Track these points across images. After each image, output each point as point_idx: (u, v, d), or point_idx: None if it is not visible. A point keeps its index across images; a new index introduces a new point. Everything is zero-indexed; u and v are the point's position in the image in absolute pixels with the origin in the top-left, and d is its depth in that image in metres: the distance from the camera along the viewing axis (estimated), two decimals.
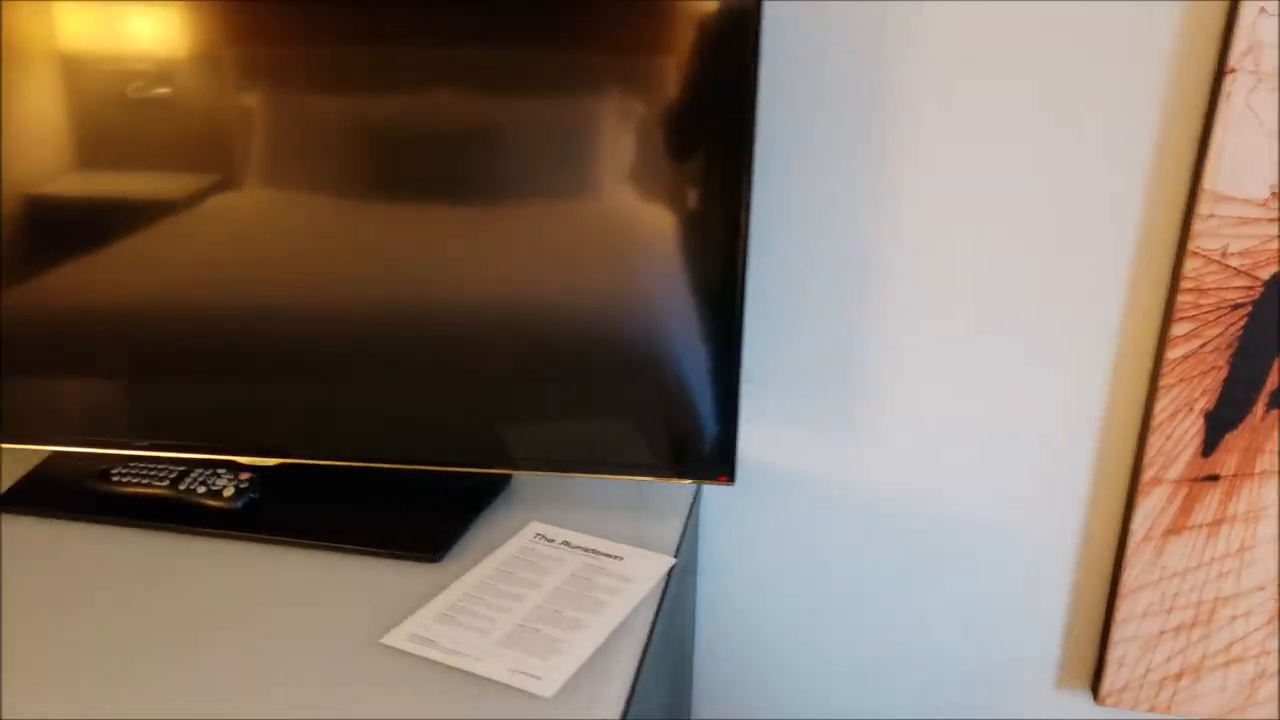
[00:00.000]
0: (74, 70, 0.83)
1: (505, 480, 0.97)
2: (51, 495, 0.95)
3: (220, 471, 0.92)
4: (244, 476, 0.92)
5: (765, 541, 1.10)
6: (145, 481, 0.91)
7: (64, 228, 0.88)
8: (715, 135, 0.80)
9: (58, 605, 0.82)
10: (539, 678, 0.71)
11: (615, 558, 0.86)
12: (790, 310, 1.00)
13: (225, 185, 0.86)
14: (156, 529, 0.90)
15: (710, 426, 0.88)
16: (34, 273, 0.90)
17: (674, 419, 0.88)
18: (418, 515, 0.91)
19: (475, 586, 0.82)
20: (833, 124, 0.93)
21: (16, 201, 0.87)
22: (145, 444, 0.94)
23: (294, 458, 0.93)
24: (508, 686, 0.71)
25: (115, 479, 0.92)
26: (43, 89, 0.84)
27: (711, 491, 1.08)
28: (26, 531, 0.91)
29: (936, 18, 0.88)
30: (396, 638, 0.76)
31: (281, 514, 0.91)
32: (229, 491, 0.90)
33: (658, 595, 0.81)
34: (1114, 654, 1.04)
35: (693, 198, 0.82)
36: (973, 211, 0.94)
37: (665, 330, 0.86)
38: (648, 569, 0.84)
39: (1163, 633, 1.02)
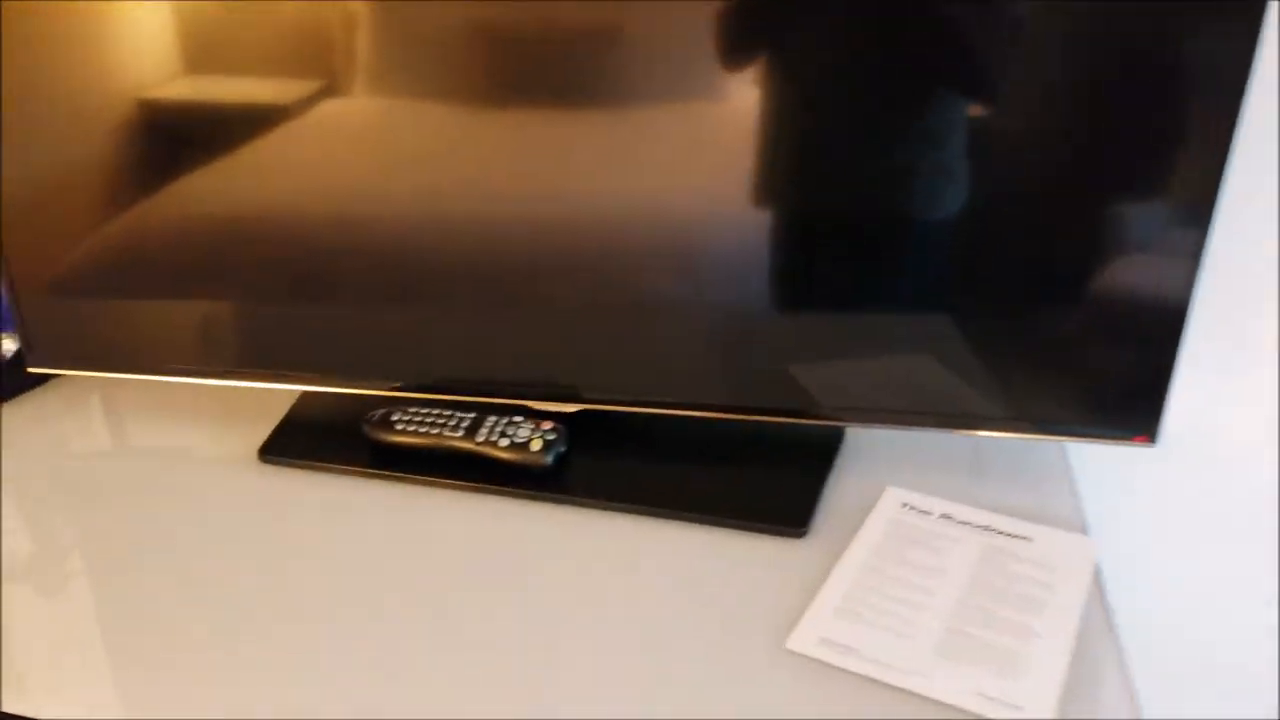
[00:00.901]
0: None
1: (839, 435, 0.81)
2: (320, 444, 0.82)
3: (518, 420, 0.78)
4: (547, 426, 0.77)
5: (1129, 511, 0.93)
6: (434, 431, 0.78)
7: (180, 133, 0.75)
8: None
9: (352, 577, 0.69)
10: (1019, 707, 0.56)
11: (1021, 538, 0.70)
12: None
13: (339, 91, 0.72)
14: (454, 487, 0.77)
15: (1137, 370, 0.70)
16: (166, 179, 0.77)
17: (1095, 358, 0.70)
18: (753, 476, 0.76)
19: (863, 572, 0.67)
20: None
21: (130, 105, 0.75)
22: (406, 385, 0.80)
23: (592, 403, 0.78)
24: (976, 716, 0.56)
25: (399, 427, 0.78)
26: None
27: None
28: (296, 485, 0.79)
29: None
30: (803, 641, 0.61)
31: (594, 472, 0.77)
32: (537, 444, 0.76)
33: (1098, 592, 0.65)
34: None
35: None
36: None
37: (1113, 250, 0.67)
38: (1068, 555, 0.68)
39: None
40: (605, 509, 0.74)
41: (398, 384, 0.80)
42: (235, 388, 0.90)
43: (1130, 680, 0.58)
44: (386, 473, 0.78)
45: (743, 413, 0.76)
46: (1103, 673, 0.59)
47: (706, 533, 0.72)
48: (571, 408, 0.80)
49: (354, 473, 0.79)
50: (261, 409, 0.87)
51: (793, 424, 0.75)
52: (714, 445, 0.79)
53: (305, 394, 0.88)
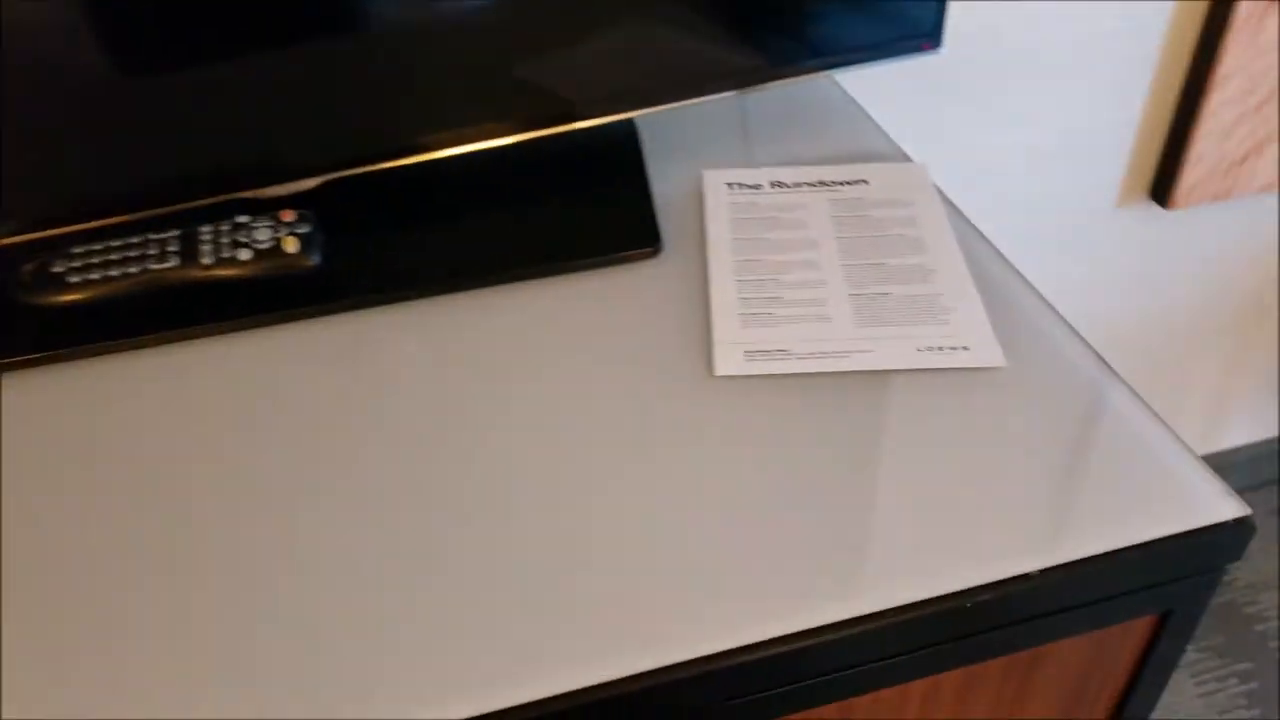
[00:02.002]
0: None
1: (632, 133, 0.69)
2: None
3: (244, 221, 0.56)
4: (289, 217, 0.57)
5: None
6: (133, 269, 0.54)
7: None
8: None
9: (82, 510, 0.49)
10: (966, 346, 0.53)
11: (859, 182, 0.65)
12: None
13: None
14: (193, 336, 0.55)
15: None
16: None
17: None
18: (563, 208, 0.62)
19: (738, 270, 0.58)
20: None
21: None
22: (28, 224, 0.54)
23: (327, 172, 0.59)
24: (939, 371, 0.52)
25: (72, 279, 0.53)
26: None
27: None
28: None
29: None
30: (730, 363, 0.53)
31: (375, 259, 0.59)
32: (291, 244, 0.55)
33: (955, 210, 0.63)
34: (1194, 152, 1.02)
35: None
36: None
37: None
38: (908, 186, 0.64)
39: (1241, 115, 1.01)
40: (418, 297, 0.58)
41: (10, 225, 0.54)
42: None
43: (1030, 283, 0.58)
44: (78, 349, 0.54)
45: (502, 135, 0.61)
46: (1004, 280, 0.57)
47: (549, 285, 0.58)
48: (305, 184, 0.59)
49: (20, 364, 0.54)
50: None
51: (566, 134, 0.62)
52: (497, 188, 0.64)
53: None
